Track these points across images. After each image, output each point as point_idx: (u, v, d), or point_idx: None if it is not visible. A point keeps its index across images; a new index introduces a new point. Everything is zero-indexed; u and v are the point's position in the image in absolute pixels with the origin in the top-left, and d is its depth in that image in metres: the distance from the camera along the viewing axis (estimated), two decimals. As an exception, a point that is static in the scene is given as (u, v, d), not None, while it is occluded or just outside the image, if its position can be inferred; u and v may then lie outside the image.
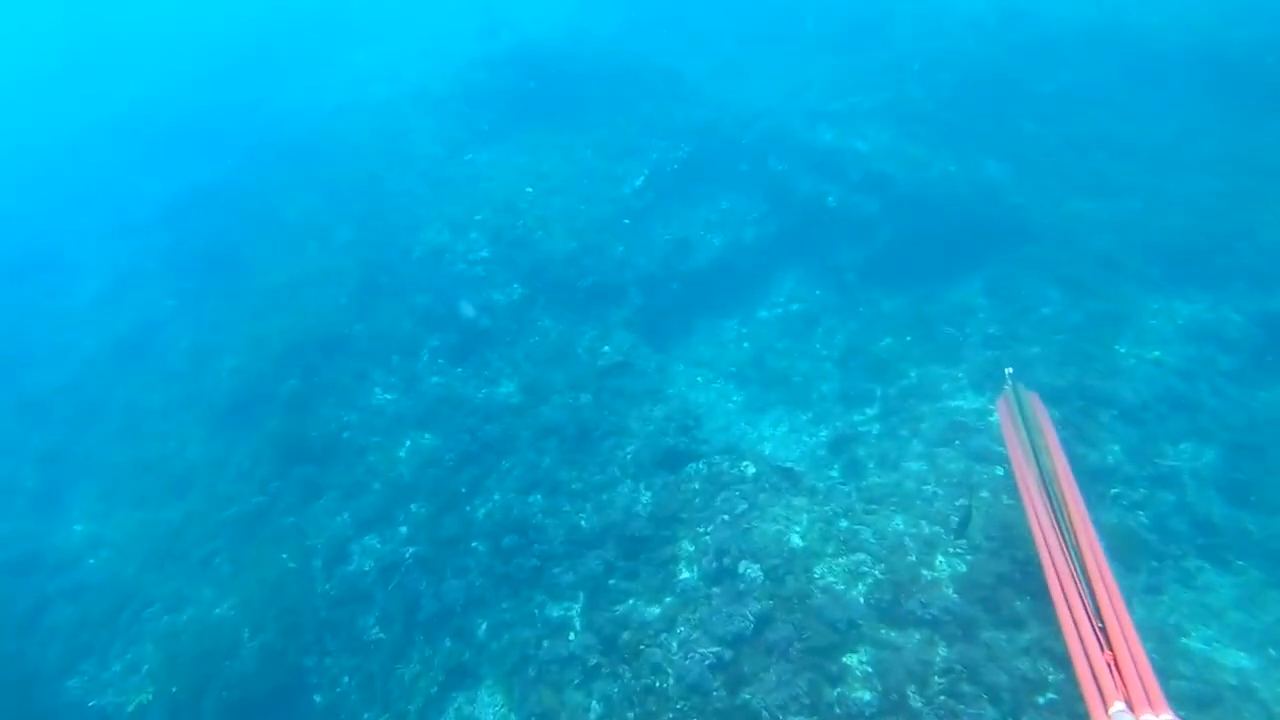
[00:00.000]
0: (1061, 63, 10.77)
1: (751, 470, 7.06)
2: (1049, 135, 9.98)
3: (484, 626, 6.52)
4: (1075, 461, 4.88)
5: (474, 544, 6.99)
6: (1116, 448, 6.43)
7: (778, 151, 10.52)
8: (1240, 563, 5.64)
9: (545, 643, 6.17)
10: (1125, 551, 5.66)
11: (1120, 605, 0.80)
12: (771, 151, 10.58)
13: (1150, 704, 0.72)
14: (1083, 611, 0.81)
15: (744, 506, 6.66)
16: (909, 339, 8.55)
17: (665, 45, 13.88)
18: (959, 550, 5.83)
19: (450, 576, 6.85)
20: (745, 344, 9.70)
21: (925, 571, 5.69)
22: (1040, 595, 4.10)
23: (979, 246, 8.99)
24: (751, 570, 6.03)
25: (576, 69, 12.56)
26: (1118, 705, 0.75)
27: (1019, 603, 5.28)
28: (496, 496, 7.31)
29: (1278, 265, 7.72)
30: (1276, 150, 8.86)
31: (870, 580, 5.75)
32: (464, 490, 7.45)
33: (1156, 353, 7.26)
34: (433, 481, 7.55)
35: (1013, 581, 5.40)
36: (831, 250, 9.89)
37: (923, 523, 6.18)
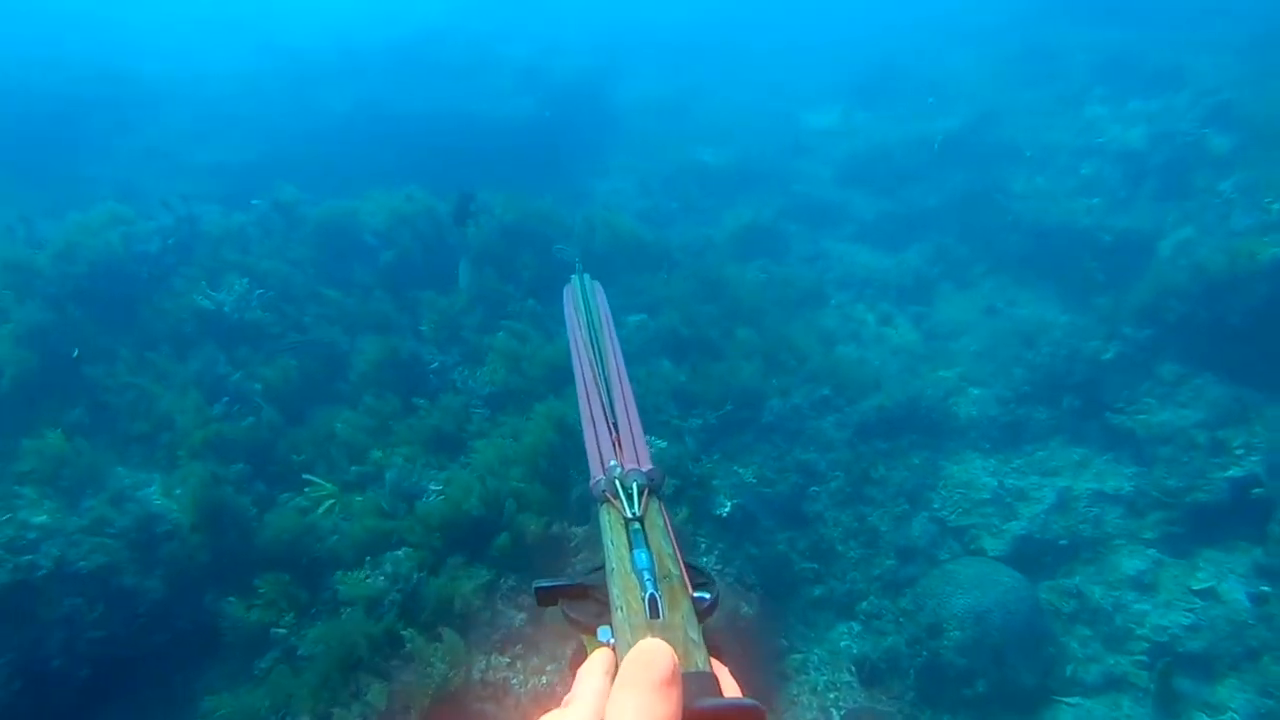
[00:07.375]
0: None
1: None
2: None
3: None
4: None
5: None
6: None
7: None
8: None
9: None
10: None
11: (633, 411, 1.24)
12: None
13: (638, 461, 1.05)
14: (601, 413, 1.22)
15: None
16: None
17: None
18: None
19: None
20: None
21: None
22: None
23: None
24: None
25: None
26: (613, 462, 1.05)
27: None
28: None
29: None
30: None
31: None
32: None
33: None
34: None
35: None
36: None
37: None
